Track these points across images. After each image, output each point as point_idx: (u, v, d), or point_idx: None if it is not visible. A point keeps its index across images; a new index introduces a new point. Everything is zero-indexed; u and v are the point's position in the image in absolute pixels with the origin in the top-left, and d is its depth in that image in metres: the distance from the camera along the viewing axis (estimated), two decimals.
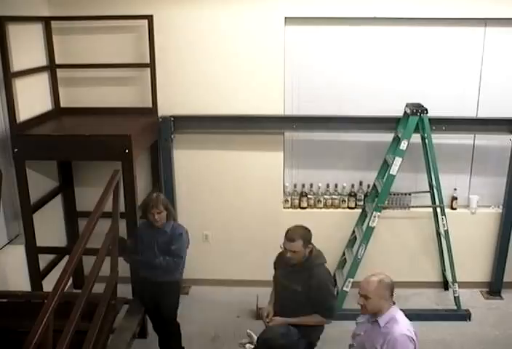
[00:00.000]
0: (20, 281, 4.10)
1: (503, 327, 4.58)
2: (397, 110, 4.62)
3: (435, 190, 4.61)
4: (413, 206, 4.94)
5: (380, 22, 4.61)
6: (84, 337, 2.91)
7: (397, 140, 4.57)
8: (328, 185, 5.05)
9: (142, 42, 4.58)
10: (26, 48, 4.23)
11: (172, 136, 4.77)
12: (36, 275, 4.25)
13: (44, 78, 4.56)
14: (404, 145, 4.38)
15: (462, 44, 4.70)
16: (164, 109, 4.73)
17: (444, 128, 4.64)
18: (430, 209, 4.81)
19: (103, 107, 4.73)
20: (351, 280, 4.58)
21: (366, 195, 4.99)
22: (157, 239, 3.84)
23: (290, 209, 5.09)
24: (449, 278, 4.83)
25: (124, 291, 4.10)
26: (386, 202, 4.70)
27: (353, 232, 4.96)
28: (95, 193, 3.44)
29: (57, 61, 4.63)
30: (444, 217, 4.62)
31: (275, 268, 3.64)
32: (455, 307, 4.71)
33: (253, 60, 4.67)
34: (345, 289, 4.61)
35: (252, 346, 3.44)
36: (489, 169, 5.01)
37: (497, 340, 4.41)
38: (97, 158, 4.18)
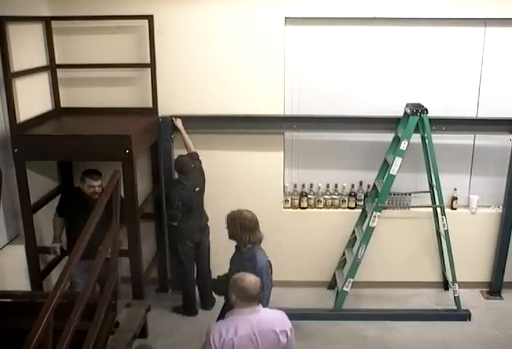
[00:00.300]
0: (19, 281, 4.11)
1: (503, 327, 4.58)
2: (397, 110, 4.62)
3: (435, 190, 4.62)
4: (413, 206, 4.94)
5: (379, 22, 4.61)
6: (83, 337, 2.91)
7: (397, 140, 4.57)
8: (328, 185, 5.05)
9: (143, 42, 4.58)
10: (26, 48, 4.23)
11: (172, 136, 4.77)
12: (36, 275, 4.25)
13: (44, 78, 4.56)
14: (404, 145, 4.38)
15: (462, 44, 4.70)
16: (164, 109, 4.73)
17: (444, 128, 4.64)
18: (430, 209, 4.81)
19: (103, 108, 4.73)
20: (351, 280, 4.58)
21: (366, 196, 4.99)
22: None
23: (290, 209, 5.10)
24: (449, 278, 4.83)
25: (125, 291, 4.11)
26: (386, 202, 4.70)
27: (353, 232, 4.96)
28: None
29: (57, 61, 4.63)
30: (444, 217, 4.62)
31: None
32: (455, 307, 4.70)
33: (253, 60, 4.68)
34: (345, 289, 4.61)
35: None
36: (489, 169, 5.01)
37: (497, 340, 4.41)
38: (97, 158, 4.17)
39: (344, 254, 5.03)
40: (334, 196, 5.05)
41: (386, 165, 4.66)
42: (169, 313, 4.76)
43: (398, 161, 4.41)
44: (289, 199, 5.09)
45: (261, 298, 2.81)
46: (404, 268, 5.10)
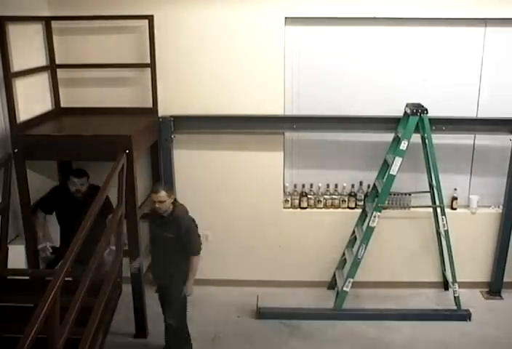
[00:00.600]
0: None
1: (503, 327, 4.58)
2: (397, 110, 4.62)
3: (435, 190, 4.62)
4: (413, 206, 4.94)
5: (380, 22, 4.61)
6: (88, 315, 2.95)
7: (397, 140, 4.57)
8: (328, 185, 5.05)
9: (143, 42, 4.58)
10: (26, 48, 4.23)
11: (172, 136, 4.77)
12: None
13: (44, 78, 4.56)
14: (404, 145, 4.39)
15: (462, 44, 4.70)
16: (164, 109, 4.73)
17: (444, 128, 4.64)
18: (430, 209, 4.81)
19: (103, 108, 4.73)
20: (351, 280, 4.59)
21: (366, 195, 4.99)
22: None
23: (290, 209, 5.10)
24: (449, 278, 4.83)
25: (125, 291, 4.10)
26: (386, 202, 4.70)
27: (353, 232, 4.96)
28: None
29: (57, 61, 4.63)
30: (444, 217, 4.62)
31: (150, 227, 4.12)
32: (455, 307, 4.71)
33: (253, 60, 4.68)
34: (345, 289, 4.61)
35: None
36: (489, 169, 5.01)
37: (497, 340, 4.40)
38: (98, 158, 4.16)
39: (344, 254, 5.03)
40: (334, 196, 5.05)
41: (386, 165, 4.66)
42: None
43: (398, 161, 4.41)
44: (289, 199, 5.09)
45: None
46: (403, 268, 5.10)
